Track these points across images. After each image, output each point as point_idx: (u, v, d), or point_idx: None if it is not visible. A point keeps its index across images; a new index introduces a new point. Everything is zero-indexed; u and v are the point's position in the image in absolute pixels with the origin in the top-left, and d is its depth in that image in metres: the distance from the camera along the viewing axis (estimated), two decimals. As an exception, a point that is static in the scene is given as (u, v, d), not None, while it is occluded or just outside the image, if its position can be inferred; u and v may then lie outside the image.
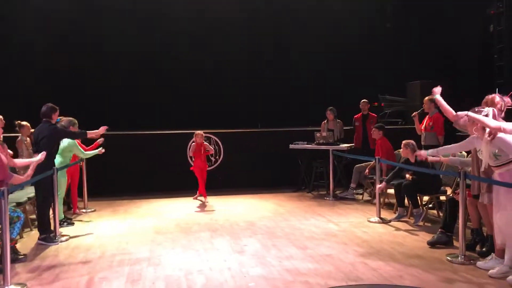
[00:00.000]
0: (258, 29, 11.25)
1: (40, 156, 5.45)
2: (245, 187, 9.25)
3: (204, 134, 8.61)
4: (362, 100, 9.12)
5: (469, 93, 4.87)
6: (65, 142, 6.77)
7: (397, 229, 6.30)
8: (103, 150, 7.62)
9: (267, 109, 10.97)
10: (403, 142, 6.59)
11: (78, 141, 7.23)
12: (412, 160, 6.45)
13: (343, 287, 4.09)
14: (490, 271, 4.45)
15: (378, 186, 6.71)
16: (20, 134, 7.34)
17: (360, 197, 8.55)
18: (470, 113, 4.45)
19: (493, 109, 4.38)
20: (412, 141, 6.58)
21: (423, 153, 5.61)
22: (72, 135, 6.61)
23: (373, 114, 9.21)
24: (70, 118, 6.93)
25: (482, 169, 4.59)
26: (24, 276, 4.65)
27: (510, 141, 4.21)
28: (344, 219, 6.92)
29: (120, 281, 4.46)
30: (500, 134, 4.24)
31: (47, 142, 5.96)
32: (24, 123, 7.30)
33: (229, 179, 9.43)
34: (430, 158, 5.63)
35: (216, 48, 11.15)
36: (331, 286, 4.21)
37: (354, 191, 8.53)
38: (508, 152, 4.22)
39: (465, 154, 6.72)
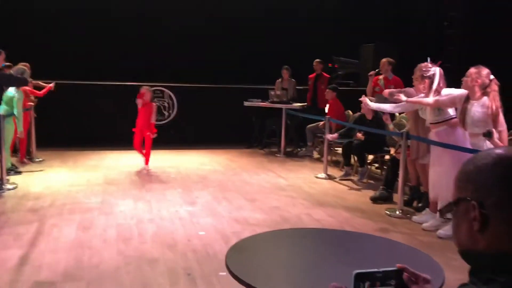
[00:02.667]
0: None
1: None
2: (198, 142, 9.33)
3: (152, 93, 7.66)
4: (315, 60, 9.25)
5: (418, 60, 5.09)
6: (10, 92, 6.51)
7: (342, 185, 6.63)
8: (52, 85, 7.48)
9: (222, 65, 10.92)
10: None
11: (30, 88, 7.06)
12: (370, 116, 6.67)
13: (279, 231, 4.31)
14: (424, 224, 4.82)
15: (330, 135, 6.92)
16: None
17: (316, 154, 8.83)
18: (409, 99, 4.74)
19: (439, 69, 4.63)
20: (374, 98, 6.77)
21: (365, 102, 5.72)
22: (12, 81, 6.27)
23: (326, 75, 9.38)
24: (22, 67, 6.66)
25: (427, 124, 4.86)
26: (-29, 223, 4.60)
27: (453, 94, 4.50)
28: (293, 175, 7.18)
29: (71, 228, 4.51)
30: (444, 90, 4.54)
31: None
32: None
33: (182, 134, 9.45)
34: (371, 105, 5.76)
35: (171, 2, 10.86)
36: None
37: (312, 148, 8.80)
38: (449, 103, 4.50)
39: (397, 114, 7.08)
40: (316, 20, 11.35)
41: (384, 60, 7.46)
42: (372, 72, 7.63)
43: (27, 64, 7.15)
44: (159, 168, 7.41)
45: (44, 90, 7.79)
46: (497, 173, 1.03)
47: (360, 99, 5.95)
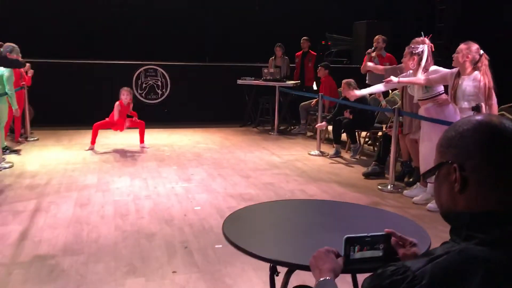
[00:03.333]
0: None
1: None
2: (192, 120, 9.37)
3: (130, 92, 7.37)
4: (303, 38, 9.25)
5: (410, 36, 5.13)
6: (5, 74, 6.50)
7: (335, 162, 6.73)
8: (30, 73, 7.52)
9: (215, 43, 10.90)
10: (344, 81, 6.84)
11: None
12: (352, 99, 6.75)
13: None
14: (414, 198, 4.94)
15: (318, 124, 7.02)
16: None
17: (309, 132, 8.91)
18: (401, 79, 4.80)
19: (427, 46, 4.70)
20: (352, 80, 6.86)
21: (352, 93, 5.72)
22: (8, 63, 6.22)
23: (313, 52, 9.38)
24: (11, 44, 6.64)
25: (415, 101, 4.95)
26: (-31, 200, 4.66)
27: (442, 72, 4.57)
28: (286, 152, 7.27)
29: (69, 205, 4.58)
30: (433, 67, 4.63)
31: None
32: None
33: (175, 113, 9.48)
34: (358, 93, 5.82)
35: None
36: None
37: (305, 126, 8.88)
38: (440, 80, 4.58)
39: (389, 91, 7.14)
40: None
41: (378, 36, 7.52)
42: (370, 50, 7.67)
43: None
44: (154, 146, 7.47)
45: (28, 79, 7.68)
46: (477, 138, 1.10)
47: (348, 96, 6.00)
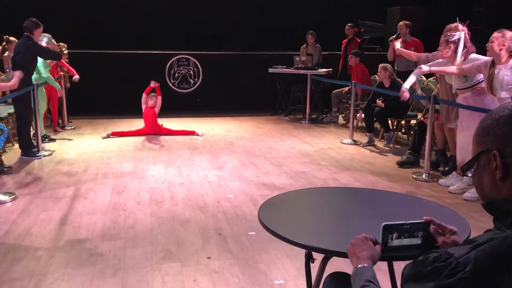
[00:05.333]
0: None
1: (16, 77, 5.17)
2: (224, 109, 9.42)
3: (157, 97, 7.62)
4: (347, 24, 9.07)
5: (447, 21, 5.00)
6: (39, 60, 6.69)
7: (368, 150, 6.65)
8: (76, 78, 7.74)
9: (247, 32, 10.89)
10: (381, 65, 6.74)
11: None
12: (387, 84, 6.66)
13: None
14: (450, 187, 4.85)
15: (357, 115, 6.94)
16: (7, 50, 7.23)
17: (341, 119, 8.84)
18: (433, 68, 4.67)
19: (464, 33, 4.56)
20: (389, 65, 6.74)
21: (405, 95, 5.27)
22: (46, 54, 6.36)
23: (357, 39, 9.21)
24: (46, 34, 6.78)
25: (453, 91, 4.84)
26: (12, 187, 4.84)
27: (480, 58, 4.44)
28: (318, 140, 7.23)
29: (106, 192, 4.70)
30: (473, 55, 4.50)
31: (22, 57, 5.90)
32: (12, 38, 7.14)
33: (207, 102, 9.56)
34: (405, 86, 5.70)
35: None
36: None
37: (337, 114, 8.81)
38: (474, 71, 4.45)
39: (424, 78, 7.01)
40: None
41: (401, 23, 7.43)
42: (392, 37, 7.55)
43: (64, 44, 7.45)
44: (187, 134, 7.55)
45: (70, 69, 7.91)
46: None
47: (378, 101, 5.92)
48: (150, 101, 7.55)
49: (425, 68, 4.75)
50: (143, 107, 7.55)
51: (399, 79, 6.62)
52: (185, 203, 4.41)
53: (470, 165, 1.18)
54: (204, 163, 5.84)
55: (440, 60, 4.84)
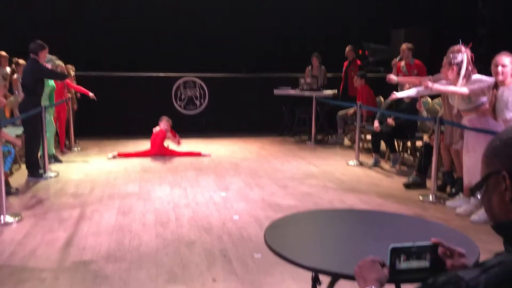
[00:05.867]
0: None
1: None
2: (229, 130, 9.46)
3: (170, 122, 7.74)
4: (348, 46, 9.17)
5: (450, 44, 5.04)
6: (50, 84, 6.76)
7: (374, 172, 6.63)
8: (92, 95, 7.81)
9: (252, 55, 10.98)
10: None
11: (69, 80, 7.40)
12: (390, 81, 6.61)
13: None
14: (457, 209, 4.80)
15: (375, 126, 6.93)
16: (16, 72, 7.35)
17: (346, 141, 8.83)
18: (436, 86, 4.69)
19: (467, 55, 4.59)
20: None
21: (392, 77, 5.73)
22: (50, 75, 6.42)
23: (358, 61, 9.29)
24: (49, 55, 6.80)
25: (454, 112, 4.85)
26: (18, 208, 4.85)
27: (484, 80, 4.45)
28: (324, 162, 7.21)
29: (112, 213, 4.70)
30: (476, 75, 4.51)
31: (30, 80, 5.98)
32: (21, 61, 7.25)
33: (213, 123, 9.60)
34: (400, 95, 5.76)
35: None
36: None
37: (343, 135, 8.82)
38: (479, 92, 4.46)
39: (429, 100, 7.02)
40: (345, 5, 11.26)
41: (403, 46, 7.51)
42: (394, 60, 7.62)
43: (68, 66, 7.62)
44: (192, 155, 7.56)
45: (82, 89, 8.00)
46: None
47: (389, 98, 5.96)
48: (162, 124, 7.63)
49: (429, 84, 4.76)
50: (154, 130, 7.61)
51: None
52: (190, 225, 4.39)
53: (479, 186, 1.17)
54: (210, 184, 5.83)
55: (443, 81, 4.86)
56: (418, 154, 6.96)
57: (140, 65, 10.09)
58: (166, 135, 7.61)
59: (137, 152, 7.48)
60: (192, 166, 6.87)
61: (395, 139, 6.88)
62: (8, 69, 7.90)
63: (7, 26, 9.67)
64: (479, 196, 1.19)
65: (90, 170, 6.57)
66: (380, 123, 7.00)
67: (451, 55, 4.63)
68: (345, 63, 9.21)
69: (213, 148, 8.22)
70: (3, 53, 8.05)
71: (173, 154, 7.49)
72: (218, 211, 4.79)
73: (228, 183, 5.89)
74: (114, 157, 7.23)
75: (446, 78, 4.74)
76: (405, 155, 7.28)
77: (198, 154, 7.52)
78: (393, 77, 5.90)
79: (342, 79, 9.21)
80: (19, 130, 6.58)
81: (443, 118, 5.25)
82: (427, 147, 5.73)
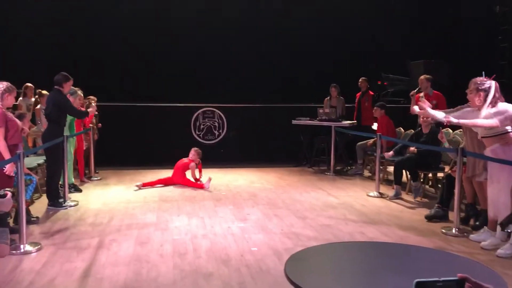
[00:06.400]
0: (258, 6, 11.31)
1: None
2: (247, 161, 9.45)
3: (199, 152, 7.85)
4: (361, 78, 9.23)
5: (471, 74, 5.01)
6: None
7: (395, 203, 6.51)
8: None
9: (270, 85, 11.10)
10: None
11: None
12: (426, 130, 6.55)
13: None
14: (482, 243, 4.66)
15: (386, 153, 6.85)
16: (39, 103, 7.54)
17: (366, 172, 8.73)
18: (461, 121, 4.63)
19: (495, 82, 4.54)
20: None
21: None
22: (72, 111, 6.40)
23: (371, 92, 9.31)
24: (74, 88, 6.92)
25: (479, 137, 4.76)
26: (38, 237, 4.88)
27: (509, 113, 4.38)
28: (343, 193, 7.13)
29: (130, 243, 4.69)
30: (501, 104, 4.44)
31: (53, 111, 6.10)
32: (44, 92, 7.44)
33: (231, 153, 9.62)
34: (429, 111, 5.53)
35: (220, 25, 11.18)
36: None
37: (362, 166, 8.74)
38: (508, 122, 4.38)
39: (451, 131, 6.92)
40: (364, 37, 11.35)
41: (422, 77, 7.52)
42: (413, 92, 7.60)
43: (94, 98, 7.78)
44: (210, 185, 7.56)
45: (89, 119, 8.09)
46: None
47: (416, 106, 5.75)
48: (191, 154, 7.76)
49: (453, 120, 4.70)
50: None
51: (437, 129, 6.59)
52: (208, 256, 4.35)
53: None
54: (228, 215, 5.80)
55: (468, 109, 4.78)
56: (439, 185, 6.85)
57: (159, 95, 10.26)
58: (189, 166, 7.65)
59: (159, 180, 7.54)
60: (210, 196, 6.86)
61: (418, 169, 6.77)
62: (33, 100, 8.12)
63: (32, 59, 9.99)
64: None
65: (109, 199, 6.60)
66: (400, 154, 6.92)
67: (478, 82, 4.58)
68: (358, 94, 9.25)
69: (231, 178, 8.21)
70: (29, 84, 8.29)
71: (181, 183, 7.54)
72: (236, 242, 4.74)
73: (246, 214, 5.85)
74: (139, 187, 7.26)
75: (473, 105, 4.68)
76: (427, 186, 7.16)
77: (201, 187, 7.44)
78: (416, 108, 5.82)
79: (355, 110, 9.25)
80: (41, 160, 6.68)
81: (465, 149, 5.16)
82: (449, 179, 5.62)
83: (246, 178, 8.29)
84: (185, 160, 7.75)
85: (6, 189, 2.94)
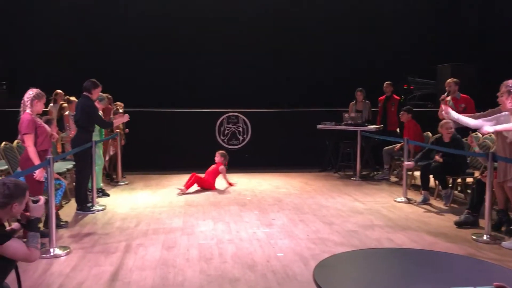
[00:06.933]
0: (282, 12, 11.32)
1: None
2: (272, 166, 9.43)
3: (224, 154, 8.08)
4: (386, 82, 9.10)
5: (501, 77, 4.90)
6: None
7: (423, 209, 6.39)
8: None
9: (295, 89, 11.08)
10: (441, 122, 6.53)
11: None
12: (447, 139, 6.44)
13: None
14: (515, 250, 4.53)
15: (406, 163, 6.75)
16: (67, 109, 7.69)
17: (393, 177, 8.61)
18: (497, 127, 4.54)
19: None
20: (450, 122, 6.49)
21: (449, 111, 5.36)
22: (97, 120, 6.42)
23: (396, 97, 9.17)
24: (102, 94, 6.98)
25: (508, 141, 4.65)
26: (67, 241, 4.97)
27: None
28: (370, 198, 7.04)
29: (156, 248, 4.72)
30: None
31: (82, 117, 6.21)
32: (72, 98, 7.59)
33: (256, 158, 9.61)
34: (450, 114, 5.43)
35: (245, 30, 11.23)
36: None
37: (389, 171, 8.62)
38: None
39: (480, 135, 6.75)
40: (390, 40, 11.24)
41: (449, 80, 7.41)
42: (443, 96, 7.47)
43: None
44: (235, 190, 7.58)
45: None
46: None
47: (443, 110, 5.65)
48: (217, 158, 7.93)
49: (490, 129, 4.60)
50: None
51: (459, 136, 6.46)
52: (234, 261, 4.35)
53: None
54: (253, 220, 5.79)
55: (502, 113, 4.67)
56: (468, 191, 6.70)
57: (185, 101, 10.35)
58: (219, 169, 7.81)
59: (194, 178, 7.60)
60: (235, 201, 6.86)
61: (446, 175, 6.63)
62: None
63: (62, 66, 10.23)
64: None
65: (136, 204, 6.68)
66: (428, 158, 6.79)
67: (510, 84, 4.49)
68: (381, 98, 9.11)
69: (256, 183, 8.20)
70: (60, 91, 8.47)
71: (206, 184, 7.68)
72: (261, 248, 4.72)
73: (272, 219, 5.83)
74: (182, 191, 7.37)
75: (504, 108, 4.57)
76: (455, 192, 7.00)
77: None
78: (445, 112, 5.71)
79: (379, 114, 9.10)
80: (70, 165, 6.81)
81: (496, 154, 5.03)
82: (479, 184, 5.49)
83: (271, 183, 8.27)
84: (213, 166, 7.84)
85: (39, 196, 3.00)
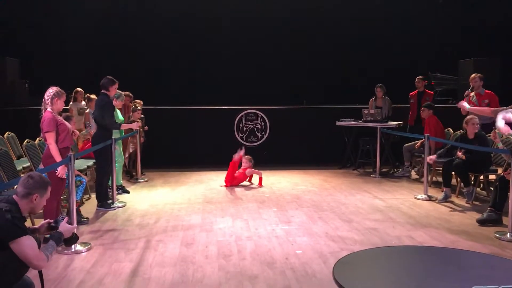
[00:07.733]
0: (304, 9, 11.25)
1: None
2: (291, 163, 9.40)
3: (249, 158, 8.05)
4: (418, 77, 8.88)
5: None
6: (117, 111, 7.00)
7: (445, 206, 6.29)
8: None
9: (314, 86, 11.02)
10: (467, 118, 6.43)
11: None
12: (471, 136, 6.33)
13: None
14: (540, 249, 4.43)
15: (428, 157, 6.64)
16: (88, 107, 7.79)
17: (414, 174, 8.50)
18: (471, 108, 4.42)
19: None
20: (476, 117, 6.37)
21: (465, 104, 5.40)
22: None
23: (430, 92, 8.97)
24: (119, 91, 7.01)
25: None
26: (88, 237, 5.03)
27: None
28: (390, 195, 6.96)
29: (175, 244, 4.75)
30: None
31: (98, 115, 6.26)
32: (93, 96, 7.67)
33: (274, 155, 9.59)
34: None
35: (264, 28, 11.20)
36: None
37: (409, 168, 8.51)
38: None
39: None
40: (411, 35, 11.09)
41: (474, 75, 7.24)
42: (467, 92, 7.32)
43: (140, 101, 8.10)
44: (254, 188, 7.57)
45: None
46: None
47: (458, 104, 5.65)
48: (244, 163, 7.97)
49: (465, 105, 4.49)
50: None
51: (483, 132, 6.33)
52: (252, 258, 4.34)
53: None
54: (271, 217, 5.78)
55: None
56: (491, 188, 6.56)
57: (204, 98, 10.39)
58: (245, 174, 7.85)
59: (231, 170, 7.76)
60: (253, 198, 6.86)
61: (468, 172, 6.51)
62: (83, 104, 8.41)
63: (81, 64, 10.37)
64: None
65: (156, 201, 6.72)
66: (450, 155, 6.68)
67: None
68: (412, 94, 8.90)
69: (274, 180, 8.18)
70: (79, 89, 8.59)
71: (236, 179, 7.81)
72: (280, 245, 4.71)
73: (290, 216, 5.81)
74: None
75: None
76: (478, 189, 6.87)
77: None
78: (465, 104, 5.64)
79: (414, 110, 8.79)
80: (90, 162, 6.90)
81: None
82: (502, 181, 5.38)
83: (289, 180, 8.24)
84: (240, 170, 7.88)
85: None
